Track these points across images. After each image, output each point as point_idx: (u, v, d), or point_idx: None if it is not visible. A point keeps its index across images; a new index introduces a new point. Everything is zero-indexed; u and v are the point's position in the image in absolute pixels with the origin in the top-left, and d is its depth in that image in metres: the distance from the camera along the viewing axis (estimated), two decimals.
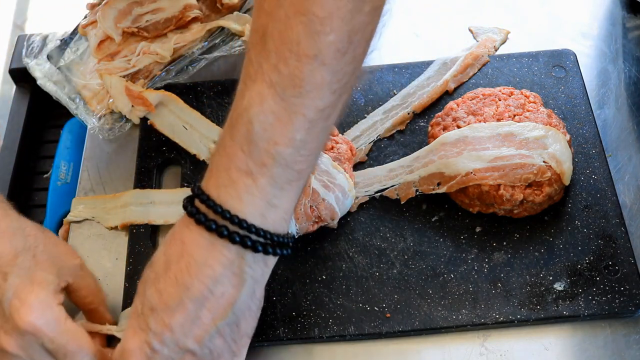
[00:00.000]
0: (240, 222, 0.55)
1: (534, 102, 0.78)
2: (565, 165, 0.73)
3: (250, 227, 0.55)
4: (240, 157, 0.55)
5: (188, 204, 0.58)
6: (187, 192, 0.79)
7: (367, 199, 0.78)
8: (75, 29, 0.92)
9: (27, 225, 0.65)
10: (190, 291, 0.56)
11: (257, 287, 0.59)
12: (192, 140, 0.82)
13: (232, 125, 0.56)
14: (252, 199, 0.55)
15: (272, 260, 0.60)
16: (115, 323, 0.70)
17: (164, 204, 0.78)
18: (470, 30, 0.91)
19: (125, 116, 0.86)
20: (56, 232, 0.85)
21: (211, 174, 0.57)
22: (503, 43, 0.90)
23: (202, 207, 0.57)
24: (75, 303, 0.68)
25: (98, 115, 0.86)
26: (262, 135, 0.54)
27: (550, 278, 0.72)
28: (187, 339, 0.57)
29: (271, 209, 0.56)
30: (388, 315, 0.71)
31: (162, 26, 0.90)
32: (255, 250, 0.56)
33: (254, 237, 0.56)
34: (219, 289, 0.56)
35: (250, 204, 0.55)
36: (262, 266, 0.58)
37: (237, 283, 0.57)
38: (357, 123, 0.83)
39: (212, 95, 0.87)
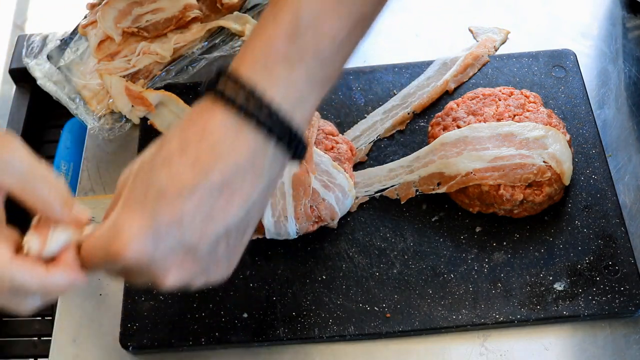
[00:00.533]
0: (271, 110, 0.51)
1: (534, 102, 0.78)
2: (565, 165, 0.73)
3: (280, 117, 0.51)
4: (281, 41, 0.51)
5: (214, 84, 0.52)
6: None
7: (367, 199, 0.78)
8: (75, 29, 0.92)
9: None
10: (208, 178, 0.51)
11: (269, 191, 0.54)
12: None
13: (277, 10, 0.52)
14: (286, 90, 0.52)
15: (285, 164, 0.55)
16: None
17: None
18: (470, 30, 0.91)
19: (125, 116, 0.86)
20: None
21: (244, 57, 0.52)
22: (503, 43, 0.90)
23: (230, 90, 0.52)
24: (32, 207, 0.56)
25: (98, 115, 0.86)
26: (309, 24, 0.51)
27: (550, 278, 0.72)
28: (194, 234, 0.51)
29: (300, 106, 0.52)
30: (388, 315, 0.71)
31: (162, 26, 0.90)
32: (282, 143, 0.52)
33: (282, 128, 0.52)
34: (238, 180, 0.51)
35: (285, 93, 0.52)
36: (278, 168, 0.54)
37: (255, 179, 0.52)
38: (357, 123, 0.83)
39: None
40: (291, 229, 0.73)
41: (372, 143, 0.82)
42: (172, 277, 0.53)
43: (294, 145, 0.53)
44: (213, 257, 0.53)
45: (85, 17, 0.92)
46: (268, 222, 0.72)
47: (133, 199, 0.52)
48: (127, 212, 0.51)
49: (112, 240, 0.51)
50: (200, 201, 0.51)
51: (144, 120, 0.85)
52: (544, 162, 0.73)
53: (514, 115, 0.77)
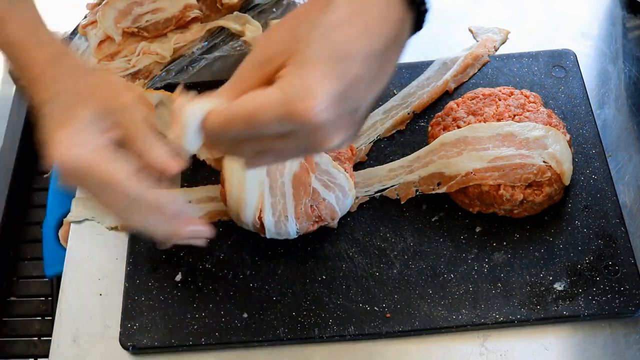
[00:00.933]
0: None
1: (534, 102, 0.78)
2: (565, 165, 0.73)
3: None
4: None
5: None
6: (183, 192, 0.80)
7: (367, 199, 0.78)
8: (75, 29, 0.92)
9: (70, 70, 0.62)
10: (375, 45, 0.54)
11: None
12: None
13: None
14: None
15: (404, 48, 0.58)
16: None
17: None
18: (470, 30, 0.91)
19: None
20: (56, 232, 0.85)
21: None
22: (503, 43, 0.90)
23: None
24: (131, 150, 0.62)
25: None
26: None
27: (550, 278, 0.72)
28: (361, 96, 0.54)
29: None
30: (388, 315, 0.71)
31: (162, 26, 0.90)
32: (414, 17, 0.57)
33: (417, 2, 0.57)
34: (390, 49, 0.55)
35: None
36: (404, 46, 0.57)
37: (399, 49, 0.57)
38: None
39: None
40: (291, 229, 0.73)
41: (372, 143, 0.82)
42: (337, 139, 0.54)
43: (421, 19, 0.58)
44: (361, 121, 0.57)
45: (85, 17, 0.92)
46: (268, 221, 0.72)
47: (314, 60, 0.52)
48: (312, 72, 0.52)
49: (298, 100, 0.51)
50: (370, 65, 0.53)
51: None
52: (544, 162, 0.73)
53: (514, 115, 0.77)
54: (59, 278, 0.79)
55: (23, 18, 0.64)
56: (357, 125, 0.56)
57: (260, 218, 0.72)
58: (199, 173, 0.81)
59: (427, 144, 0.79)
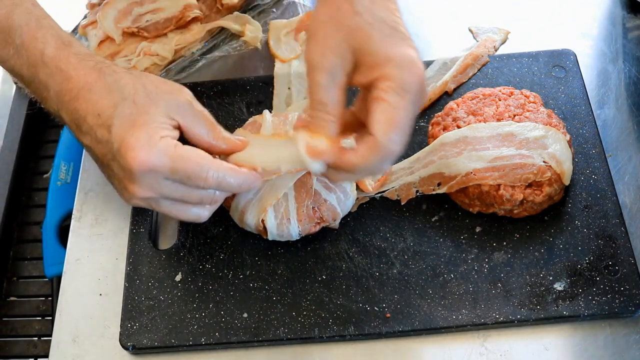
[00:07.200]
0: None
1: (534, 102, 0.78)
2: (565, 165, 0.73)
3: None
4: None
5: None
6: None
7: (367, 199, 0.78)
8: (75, 28, 0.92)
9: (123, 76, 0.66)
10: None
11: None
12: None
13: None
14: None
15: None
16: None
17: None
18: (470, 30, 0.91)
19: None
20: (56, 232, 0.85)
21: None
22: (503, 43, 0.90)
23: None
24: (193, 144, 0.68)
25: None
26: None
27: (550, 278, 0.72)
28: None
29: None
30: (388, 315, 0.71)
31: (162, 26, 0.90)
32: None
33: None
34: None
35: None
36: None
37: None
38: None
39: (212, 95, 0.87)
40: (293, 231, 0.73)
41: None
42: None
43: None
44: None
45: (85, 17, 0.92)
46: (271, 224, 0.72)
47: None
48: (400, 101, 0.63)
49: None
50: None
51: None
52: (544, 162, 0.73)
53: (514, 115, 0.77)
54: (59, 278, 0.79)
55: (53, 38, 0.67)
56: None
57: (263, 221, 0.72)
58: None
59: (427, 144, 0.79)
